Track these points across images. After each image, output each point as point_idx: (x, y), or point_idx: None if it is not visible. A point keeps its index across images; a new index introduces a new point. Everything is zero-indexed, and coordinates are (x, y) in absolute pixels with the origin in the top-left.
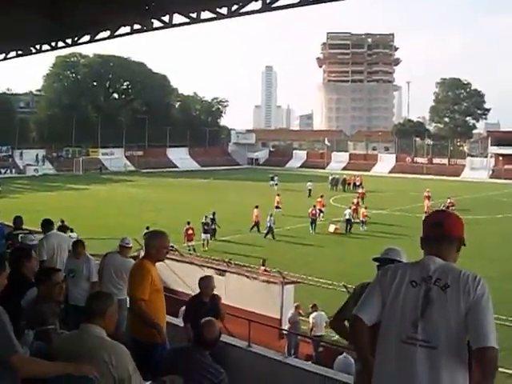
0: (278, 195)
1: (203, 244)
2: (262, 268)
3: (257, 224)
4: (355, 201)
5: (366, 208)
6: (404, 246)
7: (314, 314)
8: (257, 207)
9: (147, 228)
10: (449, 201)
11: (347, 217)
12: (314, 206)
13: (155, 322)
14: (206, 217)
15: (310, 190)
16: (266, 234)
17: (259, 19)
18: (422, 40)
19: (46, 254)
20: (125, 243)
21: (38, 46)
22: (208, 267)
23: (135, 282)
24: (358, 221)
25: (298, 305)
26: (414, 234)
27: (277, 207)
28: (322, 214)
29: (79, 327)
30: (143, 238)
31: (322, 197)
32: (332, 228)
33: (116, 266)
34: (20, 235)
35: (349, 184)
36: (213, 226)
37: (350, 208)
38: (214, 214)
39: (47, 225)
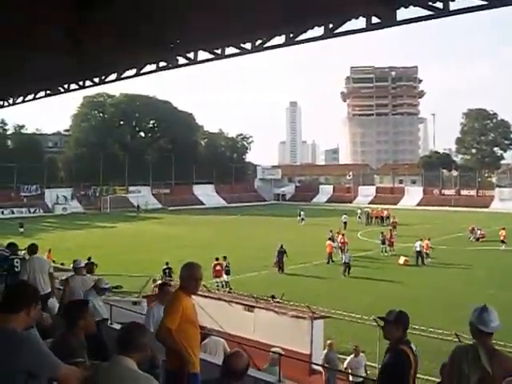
0: (343, 235)
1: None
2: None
3: (330, 256)
4: (387, 233)
5: (429, 239)
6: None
7: (350, 358)
8: (330, 239)
9: (166, 264)
10: (479, 232)
11: (418, 249)
12: (343, 235)
13: (181, 349)
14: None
15: (345, 223)
16: (344, 271)
17: (283, 55)
18: (446, 71)
19: (29, 274)
20: (76, 264)
21: (66, 86)
22: (236, 303)
23: (166, 310)
24: (394, 253)
25: (331, 343)
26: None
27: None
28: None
29: (111, 359)
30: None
31: (342, 234)
32: (402, 260)
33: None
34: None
35: (377, 218)
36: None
37: (421, 240)
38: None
39: (32, 248)
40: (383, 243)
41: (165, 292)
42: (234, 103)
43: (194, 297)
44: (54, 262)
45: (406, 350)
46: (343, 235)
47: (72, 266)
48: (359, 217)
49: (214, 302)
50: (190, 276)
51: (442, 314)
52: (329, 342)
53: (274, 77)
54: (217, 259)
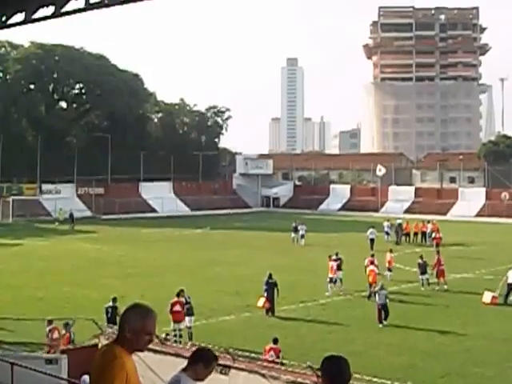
0: (391, 251)
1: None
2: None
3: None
4: (436, 257)
5: None
6: None
7: None
8: (372, 263)
9: (114, 300)
10: None
11: (510, 280)
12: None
13: None
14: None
15: (372, 241)
16: (380, 315)
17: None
18: None
19: None
20: None
21: None
22: None
23: (102, 380)
24: (445, 286)
25: None
26: None
27: (389, 269)
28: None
29: None
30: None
31: (372, 255)
32: (488, 297)
33: None
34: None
35: (416, 234)
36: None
37: None
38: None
39: None
40: (423, 273)
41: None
42: (203, 63)
43: (139, 352)
44: None
45: None
46: (372, 257)
47: None
48: (387, 232)
49: (169, 360)
50: (142, 327)
51: None
52: None
53: (266, 28)
54: (178, 295)
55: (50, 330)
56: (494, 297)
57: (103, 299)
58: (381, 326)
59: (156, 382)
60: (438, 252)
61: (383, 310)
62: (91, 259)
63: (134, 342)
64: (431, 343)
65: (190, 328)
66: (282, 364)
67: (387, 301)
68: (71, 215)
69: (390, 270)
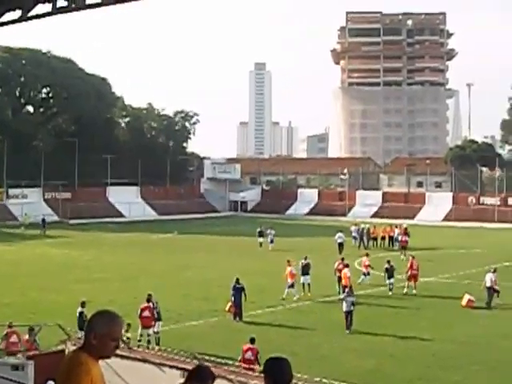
0: (367, 255)
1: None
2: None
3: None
4: (409, 262)
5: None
6: None
7: None
8: (347, 266)
9: (82, 305)
10: None
11: (488, 284)
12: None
13: None
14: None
15: (340, 245)
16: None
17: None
18: (490, 20)
19: None
20: None
21: None
22: (171, 366)
23: None
24: (414, 291)
25: None
26: None
27: (365, 273)
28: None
29: None
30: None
31: (342, 259)
32: (465, 300)
33: None
34: None
35: (383, 238)
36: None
37: (493, 272)
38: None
39: None
40: (390, 277)
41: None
42: (171, 67)
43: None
44: None
45: None
46: (342, 260)
47: None
48: (354, 237)
49: (136, 366)
50: (109, 333)
51: None
52: None
53: (233, 33)
54: (148, 300)
55: (6, 334)
56: (470, 300)
57: (71, 304)
58: (348, 332)
59: None
60: (413, 257)
61: (349, 316)
62: (59, 264)
63: (100, 348)
64: (398, 347)
65: (157, 333)
66: (259, 364)
67: (353, 308)
68: (43, 220)
69: (367, 273)
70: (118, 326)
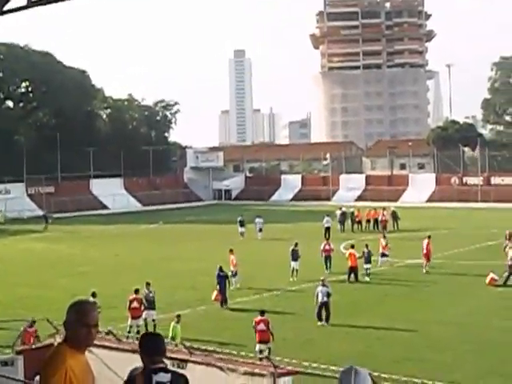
0: (384, 236)
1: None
2: None
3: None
4: (383, 241)
5: None
6: None
7: None
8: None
9: (93, 295)
10: None
11: (510, 262)
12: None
13: None
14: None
15: (327, 229)
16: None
17: None
18: (465, 2)
19: None
20: None
21: None
22: None
23: (43, 377)
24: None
25: None
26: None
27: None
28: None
29: None
30: None
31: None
32: (488, 278)
33: None
34: None
35: (368, 221)
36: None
37: None
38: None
39: None
40: (367, 262)
41: None
42: (150, 57)
43: (94, 350)
44: None
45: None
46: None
47: None
48: (339, 220)
49: (125, 357)
50: (77, 319)
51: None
52: None
53: (212, 20)
54: (136, 291)
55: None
56: (492, 278)
57: (58, 298)
58: (319, 323)
59: (113, 379)
60: (429, 236)
61: (324, 308)
62: (44, 259)
63: (74, 336)
64: (386, 330)
65: (154, 321)
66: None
67: (329, 299)
68: (45, 216)
69: (385, 255)
70: (87, 311)
